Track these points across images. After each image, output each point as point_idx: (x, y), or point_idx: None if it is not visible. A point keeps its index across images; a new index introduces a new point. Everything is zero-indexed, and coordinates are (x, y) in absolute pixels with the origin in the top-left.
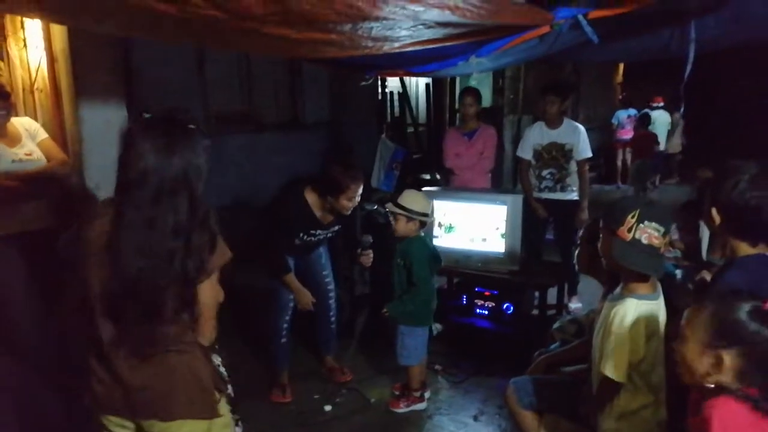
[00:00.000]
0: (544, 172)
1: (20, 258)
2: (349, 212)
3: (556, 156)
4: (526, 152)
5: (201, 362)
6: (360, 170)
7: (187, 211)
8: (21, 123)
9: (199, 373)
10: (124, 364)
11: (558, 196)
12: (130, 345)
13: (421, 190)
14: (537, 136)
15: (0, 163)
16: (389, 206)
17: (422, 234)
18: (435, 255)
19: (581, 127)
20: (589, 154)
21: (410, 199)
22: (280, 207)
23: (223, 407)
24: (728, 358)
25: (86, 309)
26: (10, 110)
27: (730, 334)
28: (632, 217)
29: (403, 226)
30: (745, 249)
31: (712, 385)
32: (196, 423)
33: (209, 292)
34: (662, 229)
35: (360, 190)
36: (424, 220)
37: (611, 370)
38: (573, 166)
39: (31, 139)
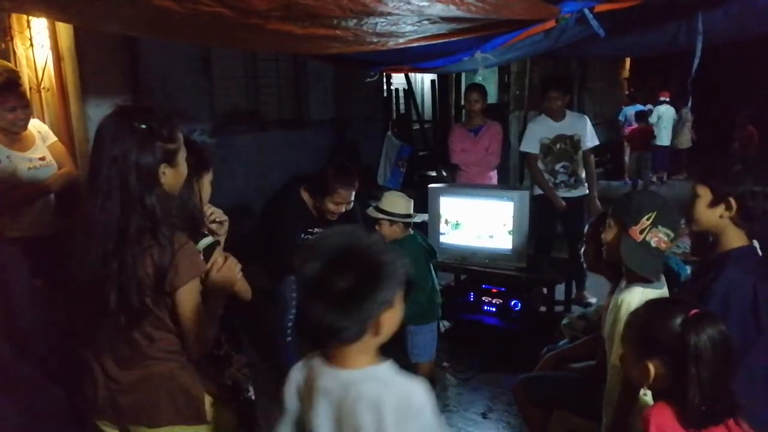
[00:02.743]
0: (557, 166)
1: (28, 260)
2: (335, 217)
3: (565, 148)
4: (532, 146)
5: (186, 371)
6: (355, 176)
7: (119, 214)
8: (33, 125)
9: (184, 381)
10: (112, 368)
11: (573, 193)
12: (108, 344)
13: (427, 187)
14: (543, 129)
15: (16, 172)
16: (371, 211)
17: (411, 231)
18: (429, 250)
19: (585, 117)
20: (596, 142)
21: (390, 202)
22: (277, 205)
23: (224, 411)
24: (654, 368)
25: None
26: (29, 117)
27: (654, 344)
28: (648, 218)
29: (387, 230)
30: (739, 240)
31: (647, 394)
32: (184, 429)
33: (181, 306)
34: (672, 235)
35: (351, 197)
36: (407, 222)
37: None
38: (581, 156)
39: (42, 141)
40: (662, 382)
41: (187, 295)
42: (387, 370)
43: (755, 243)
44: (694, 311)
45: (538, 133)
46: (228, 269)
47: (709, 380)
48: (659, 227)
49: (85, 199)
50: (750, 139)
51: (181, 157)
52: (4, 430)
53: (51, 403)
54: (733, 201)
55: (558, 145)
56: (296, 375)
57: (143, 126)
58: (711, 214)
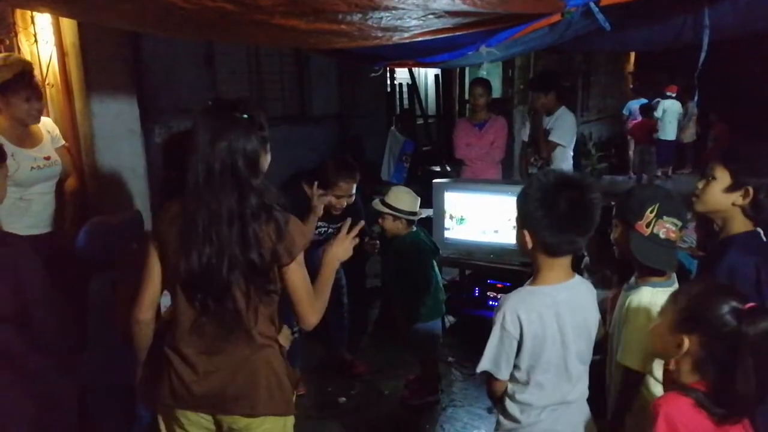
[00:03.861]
0: (532, 159)
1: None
2: (338, 212)
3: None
4: (525, 135)
5: (279, 359)
6: (355, 168)
7: (237, 198)
8: (45, 124)
9: (278, 370)
10: (204, 358)
11: None
12: (207, 332)
13: (430, 182)
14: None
15: (18, 171)
16: (376, 204)
17: (414, 228)
18: (431, 246)
19: (567, 116)
20: (561, 142)
21: (396, 197)
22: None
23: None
24: (689, 343)
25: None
26: (42, 109)
27: (700, 322)
28: (651, 211)
29: (390, 225)
30: (744, 227)
31: (672, 366)
32: (275, 419)
33: (295, 276)
34: (680, 224)
35: (352, 190)
36: (411, 219)
37: (630, 359)
38: (563, 154)
39: (51, 142)
40: (689, 362)
41: (300, 265)
42: None
43: (759, 230)
44: (751, 304)
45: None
46: (350, 243)
47: (760, 372)
48: (664, 218)
49: (190, 190)
50: (722, 137)
51: (268, 145)
52: (19, 420)
53: (63, 395)
54: (751, 190)
55: (539, 139)
56: None
57: (245, 116)
58: (724, 199)
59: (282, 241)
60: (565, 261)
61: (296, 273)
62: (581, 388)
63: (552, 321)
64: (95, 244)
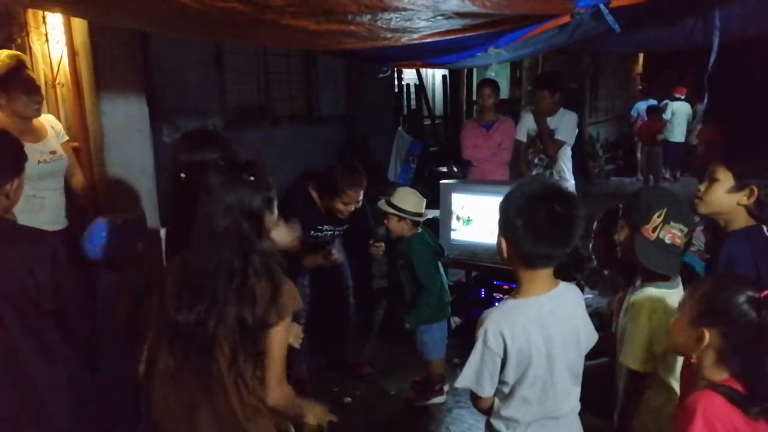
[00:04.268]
0: (536, 159)
1: None
2: (345, 216)
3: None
4: (521, 135)
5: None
6: (363, 175)
7: (239, 256)
8: (47, 120)
9: None
10: (187, 411)
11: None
12: (186, 384)
13: (437, 183)
14: (531, 121)
15: (27, 165)
16: (381, 204)
17: (419, 230)
18: (436, 248)
19: (571, 114)
20: (565, 139)
21: (401, 198)
22: (286, 202)
23: None
24: (710, 336)
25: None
26: (42, 101)
27: (719, 313)
28: (658, 216)
29: (394, 225)
30: (747, 222)
31: (694, 359)
32: None
33: (276, 339)
34: (686, 229)
35: (360, 196)
36: (416, 220)
37: (631, 360)
38: (565, 152)
39: (56, 136)
40: (712, 356)
41: (285, 331)
42: None
43: (763, 226)
44: (766, 291)
45: (528, 123)
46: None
47: None
48: (671, 223)
49: (194, 244)
50: (712, 139)
51: (274, 204)
52: (62, 401)
53: (90, 387)
54: (756, 189)
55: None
56: None
57: (252, 177)
58: (728, 200)
59: (275, 302)
60: (547, 272)
61: (278, 336)
62: (571, 402)
63: (537, 334)
64: (98, 244)
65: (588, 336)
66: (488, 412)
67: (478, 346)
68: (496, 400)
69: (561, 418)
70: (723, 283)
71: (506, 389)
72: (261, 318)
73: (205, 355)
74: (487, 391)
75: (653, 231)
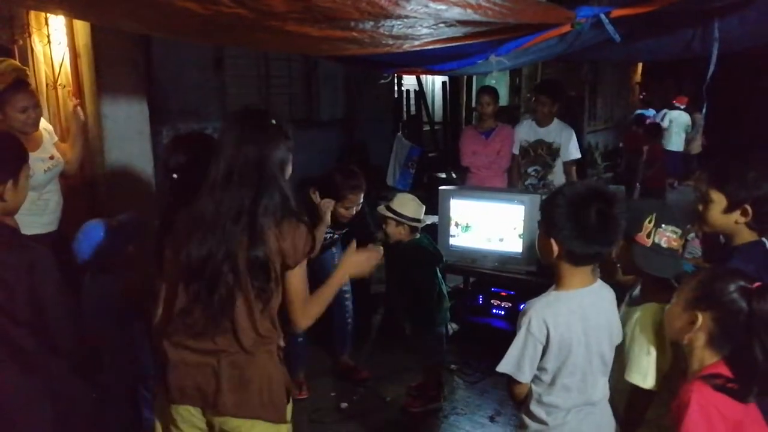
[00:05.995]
0: (530, 169)
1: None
2: (346, 219)
3: (542, 154)
4: (515, 147)
5: (275, 365)
6: (362, 178)
7: (252, 199)
8: (41, 124)
9: (272, 376)
10: (194, 347)
11: (540, 193)
12: (197, 319)
13: (436, 189)
14: (525, 132)
15: (34, 176)
16: (380, 209)
17: (418, 235)
18: (435, 254)
19: (570, 129)
20: (577, 156)
21: (400, 203)
22: None
23: (289, 412)
24: (703, 319)
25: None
26: (40, 117)
27: (712, 299)
28: (649, 221)
29: (392, 229)
30: (749, 237)
31: (686, 342)
32: (267, 426)
33: (296, 280)
34: (679, 231)
35: (360, 199)
36: (415, 225)
37: (640, 378)
38: (559, 166)
39: (50, 139)
40: (703, 338)
41: (302, 269)
42: None
43: (764, 239)
44: (758, 283)
45: (521, 134)
46: (367, 260)
47: None
48: (663, 226)
49: (205, 188)
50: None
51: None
52: (38, 422)
53: (81, 399)
54: (749, 207)
55: (535, 150)
56: None
57: (274, 122)
58: (726, 219)
59: (291, 243)
60: (589, 268)
61: (297, 277)
62: (604, 389)
63: (577, 325)
64: (89, 246)
65: (618, 331)
66: (522, 399)
67: (521, 333)
68: (536, 388)
69: (596, 403)
70: (719, 272)
71: (547, 378)
72: (274, 258)
73: (213, 290)
74: (526, 376)
75: (648, 237)
